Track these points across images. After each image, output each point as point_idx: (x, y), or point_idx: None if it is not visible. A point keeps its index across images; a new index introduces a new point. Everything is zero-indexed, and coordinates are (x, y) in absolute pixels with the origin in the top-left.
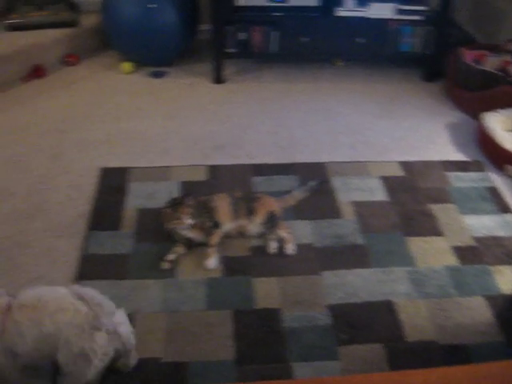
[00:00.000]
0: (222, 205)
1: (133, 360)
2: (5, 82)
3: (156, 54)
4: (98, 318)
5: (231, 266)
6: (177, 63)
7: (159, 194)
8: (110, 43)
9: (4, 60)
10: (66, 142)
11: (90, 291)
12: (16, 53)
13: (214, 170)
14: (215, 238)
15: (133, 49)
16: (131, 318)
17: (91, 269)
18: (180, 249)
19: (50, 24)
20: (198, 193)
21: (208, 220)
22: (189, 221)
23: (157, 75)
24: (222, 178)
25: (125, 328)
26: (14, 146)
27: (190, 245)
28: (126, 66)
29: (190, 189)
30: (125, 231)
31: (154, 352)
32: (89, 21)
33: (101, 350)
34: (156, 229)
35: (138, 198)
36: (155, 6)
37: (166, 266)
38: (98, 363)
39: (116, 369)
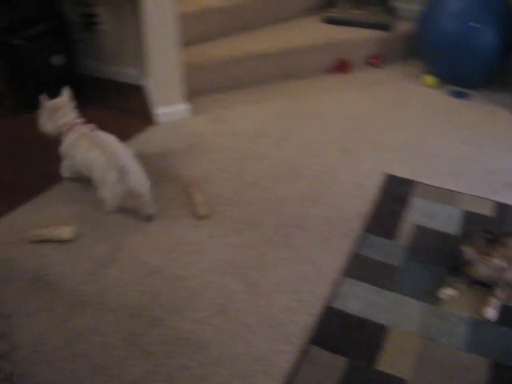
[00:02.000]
0: None
1: (148, 209)
2: (313, 70)
3: (464, 73)
4: (113, 163)
5: (505, 315)
6: (482, 87)
7: (440, 216)
8: (417, 53)
9: (316, 50)
10: (358, 139)
11: (112, 143)
12: (327, 45)
13: (501, 207)
14: None
15: (440, 64)
16: (387, 330)
17: (358, 269)
18: (462, 286)
19: (365, 24)
20: (480, 227)
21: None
22: (498, 261)
23: (458, 95)
24: (509, 218)
25: (134, 177)
26: (309, 131)
27: (472, 282)
28: (429, 79)
29: (473, 220)
30: (399, 243)
31: (401, 372)
32: (402, 27)
33: (111, 184)
34: (432, 251)
35: (419, 214)
36: (479, 26)
37: (442, 296)
38: (110, 192)
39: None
